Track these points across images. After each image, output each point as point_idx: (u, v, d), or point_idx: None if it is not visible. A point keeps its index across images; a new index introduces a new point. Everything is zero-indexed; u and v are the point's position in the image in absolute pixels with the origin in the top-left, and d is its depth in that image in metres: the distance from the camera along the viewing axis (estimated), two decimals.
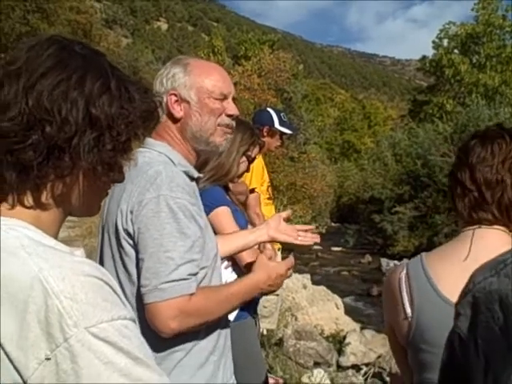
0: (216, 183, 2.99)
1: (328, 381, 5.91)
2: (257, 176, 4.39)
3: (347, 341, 7.51)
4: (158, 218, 1.70)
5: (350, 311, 9.77)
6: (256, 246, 2.75)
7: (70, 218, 1.13)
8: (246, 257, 2.66)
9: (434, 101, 36.20)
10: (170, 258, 1.68)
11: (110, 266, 1.81)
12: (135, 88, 1.12)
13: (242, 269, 2.73)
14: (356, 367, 7.10)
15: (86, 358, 0.88)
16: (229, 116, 2.00)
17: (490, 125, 1.81)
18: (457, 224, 1.84)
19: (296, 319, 7.75)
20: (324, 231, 25.36)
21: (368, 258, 20.43)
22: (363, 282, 16.17)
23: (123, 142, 1.07)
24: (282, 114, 4.82)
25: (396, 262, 15.45)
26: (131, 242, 1.75)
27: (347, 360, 7.22)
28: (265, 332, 6.06)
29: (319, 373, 5.93)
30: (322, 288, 9.24)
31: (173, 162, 1.88)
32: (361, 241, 24.41)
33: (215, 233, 2.18)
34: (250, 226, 3.28)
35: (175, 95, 1.93)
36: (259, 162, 4.38)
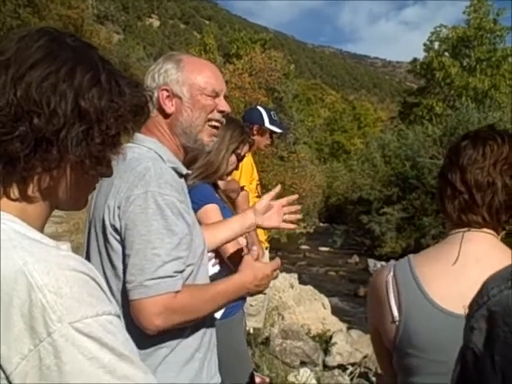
0: (205, 180, 2.98)
1: (314, 380, 5.91)
2: (246, 174, 4.39)
3: (333, 341, 7.52)
4: (146, 214, 1.69)
5: (336, 311, 9.79)
6: (243, 243, 2.75)
7: (57, 213, 1.12)
8: (230, 248, 2.66)
9: (423, 103, 36.37)
10: (157, 254, 1.67)
11: (96, 261, 1.80)
12: (126, 82, 1.11)
13: (225, 260, 2.73)
14: (342, 367, 7.11)
15: (70, 353, 0.88)
16: (220, 112, 2.00)
17: (482, 126, 1.78)
18: (444, 226, 1.82)
19: (283, 318, 7.74)
20: (312, 231, 25.44)
21: (355, 258, 20.49)
22: (350, 283, 16.21)
23: (112, 135, 1.06)
24: (272, 113, 4.82)
25: (383, 263, 15.50)
26: (118, 237, 1.74)
27: (333, 360, 7.22)
28: (251, 330, 6.06)
29: (305, 372, 5.93)
30: (309, 288, 9.24)
31: (162, 158, 1.87)
32: (348, 241, 24.47)
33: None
34: None
35: (167, 90, 1.93)
36: (248, 160, 4.38)
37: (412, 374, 1.61)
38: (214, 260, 2.79)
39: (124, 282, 1.71)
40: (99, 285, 0.98)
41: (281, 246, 20.27)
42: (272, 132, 4.78)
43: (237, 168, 3.29)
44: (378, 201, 22.83)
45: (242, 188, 3.84)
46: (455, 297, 1.51)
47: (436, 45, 37.23)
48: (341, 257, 21.34)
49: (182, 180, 1.97)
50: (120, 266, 1.74)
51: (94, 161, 1.04)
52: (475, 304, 0.86)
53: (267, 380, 5.01)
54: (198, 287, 1.85)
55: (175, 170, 1.90)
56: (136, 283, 1.66)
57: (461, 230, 1.63)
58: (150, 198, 1.70)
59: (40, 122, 0.97)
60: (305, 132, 33.85)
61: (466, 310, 1.47)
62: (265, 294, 5.51)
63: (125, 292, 1.70)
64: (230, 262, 2.66)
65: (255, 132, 4.63)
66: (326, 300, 8.95)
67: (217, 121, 2.00)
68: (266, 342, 6.82)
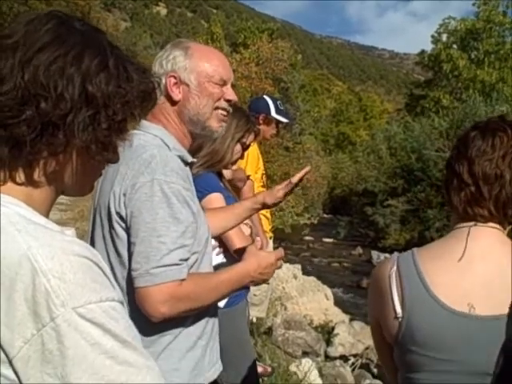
0: (210, 169, 2.97)
1: (316, 370, 5.93)
2: (252, 163, 4.38)
3: (336, 331, 7.55)
4: (151, 202, 1.69)
5: (339, 302, 9.82)
6: (247, 232, 2.74)
7: (62, 200, 1.12)
8: (237, 242, 2.66)
9: (430, 95, 36.20)
10: (162, 242, 1.67)
11: (101, 247, 1.80)
12: (134, 68, 1.10)
13: (232, 253, 2.73)
14: (344, 358, 7.14)
15: (73, 338, 0.87)
16: (227, 101, 2.00)
17: (492, 116, 1.72)
18: (449, 219, 1.78)
19: (285, 309, 7.77)
20: (316, 222, 25.43)
21: (359, 250, 20.52)
22: (353, 274, 16.25)
23: (119, 121, 1.06)
24: (278, 103, 4.80)
25: (387, 254, 15.52)
26: (123, 224, 1.74)
27: (335, 350, 7.25)
28: (254, 320, 6.07)
29: (307, 362, 5.95)
30: (313, 279, 9.26)
31: (167, 145, 1.87)
32: (352, 233, 24.49)
33: None
34: None
35: (174, 77, 1.92)
36: (254, 150, 4.36)
37: (414, 371, 1.58)
38: (218, 249, 2.79)
39: (129, 270, 1.71)
40: (103, 271, 0.98)
41: (285, 237, 20.27)
42: (278, 122, 4.75)
43: (242, 157, 3.28)
44: (383, 193, 22.83)
45: (248, 177, 3.84)
46: (460, 294, 1.49)
47: (444, 37, 37.01)
48: (344, 248, 21.38)
49: (187, 168, 1.96)
50: (125, 254, 1.74)
51: (100, 146, 1.04)
52: None
53: (269, 369, 5.01)
54: (202, 275, 1.85)
55: (181, 157, 1.89)
56: (142, 271, 1.66)
57: (467, 224, 1.59)
58: (156, 186, 1.70)
59: (47, 106, 0.97)
60: (310, 123, 33.69)
61: (472, 309, 1.46)
62: (268, 283, 5.52)
63: (130, 279, 1.71)
64: (235, 254, 2.66)
65: (261, 121, 4.60)
66: (328, 291, 8.98)
67: (224, 109, 2.00)
68: (269, 331, 6.84)
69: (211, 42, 30.88)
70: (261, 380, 4.63)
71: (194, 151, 2.28)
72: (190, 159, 1.96)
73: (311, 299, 8.40)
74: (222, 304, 2.69)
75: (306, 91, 38.70)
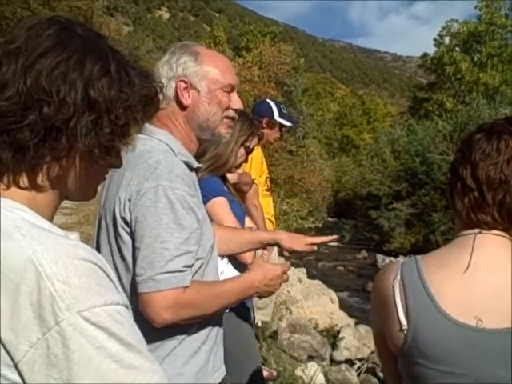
0: (214, 173, 2.98)
1: (321, 375, 5.91)
2: (256, 167, 4.38)
3: (341, 335, 7.52)
4: (156, 208, 1.69)
5: (344, 306, 9.79)
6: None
7: (67, 204, 1.12)
8: (248, 258, 2.67)
9: (433, 98, 36.25)
10: (166, 248, 1.68)
11: (106, 252, 1.81)
12: (136, 72, 1.11)
13: (238, 259, 2.74)
14: (349, 362, 7.10)
15: (78, 342, 0.88)
16: (233, 110, 2.01)
17: (497, 118, 1.66)
18: (453, 222, 1.74)
19: (291, 312, 7.75)
20: (321, 226, 25.42)
21: (364, 253, 20.47)
22: (358, 278, 16.19)
23: (121, 126, 1.06)
24: (281, 106, 4.80)
25: (392, 258, 15.51)
26: (128, 229, 1.74)
27: (341, 354, 7.22)
28: (259, 324, 6.07)
29: (313, 366, 5.93)
30: (318, 282, 9.25)
31: (173, 151, 1.87)
32: (357, 236, 24.42)
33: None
34: (247, 218, 3.27)
35: (185, 82, 1.92)
36: (258, 154, 4.37)
37: (419, 382, 1.53)
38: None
39: (133, 274, 1.72)
40: (107, 274, 0.98)
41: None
42: (281, 125, 4.76)
43: (246, 161, 3.29)
44: (387, 196, 22.77)
45: (253, 181, 3.84)
46: (466, 305, 1.45)
47: (447, 40, 37.06)
48: (349, 252, 21.31)
49: (193, 173, 1.96)
50: (130, 258, 1.74)
51: (103, 150, 1.04)
52: None
53: (274, 374, 5.00)
54: (206, 284, 1.85)
55: (186, 163, 1.89)
56: (145, 277, 1.67)
57: (472, 231, 1.54)
58: (161, 192, 1.70)
59: (50, 111, 0.97)
60: (314, 126, 33.74)
61: (479, 322, 1.44)
62: None
63: (134, 284, 1.71)
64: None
65: (264, 125, 4.61)
66: (333, 295, 8.95)
67: (231, 117, 2.02)
68: (274, 335, 6.83)
69: (214, 45, 30.95)
70: None
71: (197, 155, 2.29)
72: (195, 164, 1.96)
73: (316, 303, 8.38)
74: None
75: (309, 95, 38.68)
